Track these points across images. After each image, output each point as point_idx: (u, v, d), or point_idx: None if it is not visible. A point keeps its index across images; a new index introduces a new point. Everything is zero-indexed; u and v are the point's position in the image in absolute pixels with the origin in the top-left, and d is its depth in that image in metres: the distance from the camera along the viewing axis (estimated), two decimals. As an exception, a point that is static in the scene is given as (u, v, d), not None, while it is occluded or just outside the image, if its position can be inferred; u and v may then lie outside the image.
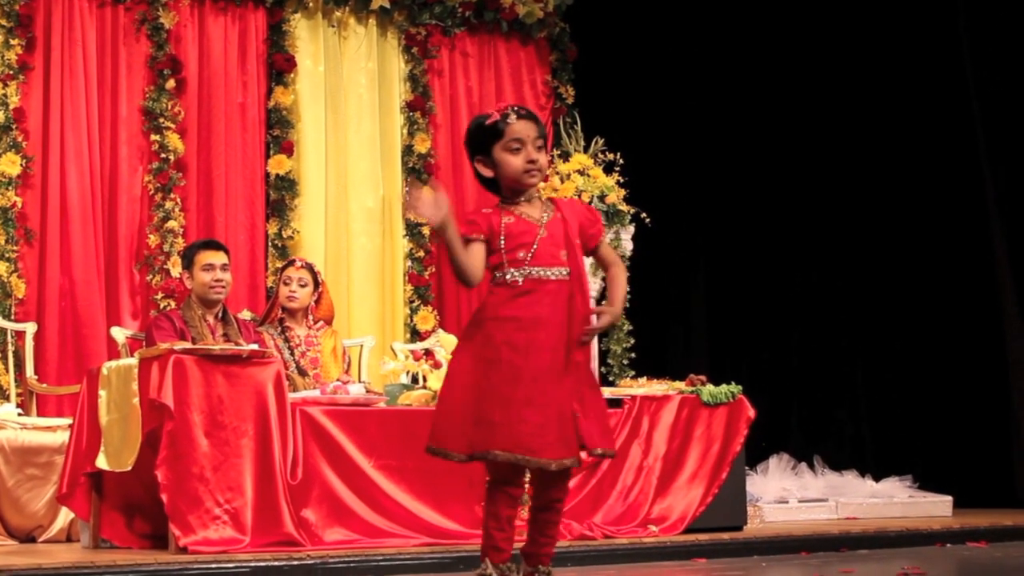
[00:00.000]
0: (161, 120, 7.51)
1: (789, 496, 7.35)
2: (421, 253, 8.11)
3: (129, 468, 5.15)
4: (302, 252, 7.62)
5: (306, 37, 8.11)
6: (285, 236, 7.75)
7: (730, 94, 8.90)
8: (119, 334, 6.28)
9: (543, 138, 3.57)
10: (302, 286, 6.40)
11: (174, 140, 7.52)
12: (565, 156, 7.90)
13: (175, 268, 7.23)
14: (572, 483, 4.49)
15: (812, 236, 8.93)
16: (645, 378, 6.55)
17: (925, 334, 8.59)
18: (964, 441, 8.29)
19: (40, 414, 6.72)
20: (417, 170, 8.17)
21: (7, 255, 7.05)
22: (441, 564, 5.02)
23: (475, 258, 3.47)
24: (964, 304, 8.43)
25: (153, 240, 7.43)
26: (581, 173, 7.69)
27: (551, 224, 3.53)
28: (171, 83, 7.56)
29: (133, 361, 5.27)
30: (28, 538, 5.96)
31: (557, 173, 7.75)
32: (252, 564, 4.73)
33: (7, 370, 6.80)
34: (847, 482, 7.73)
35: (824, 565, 5.15)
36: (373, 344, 7.09)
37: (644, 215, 7.70)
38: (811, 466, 7.82)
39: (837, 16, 8.76)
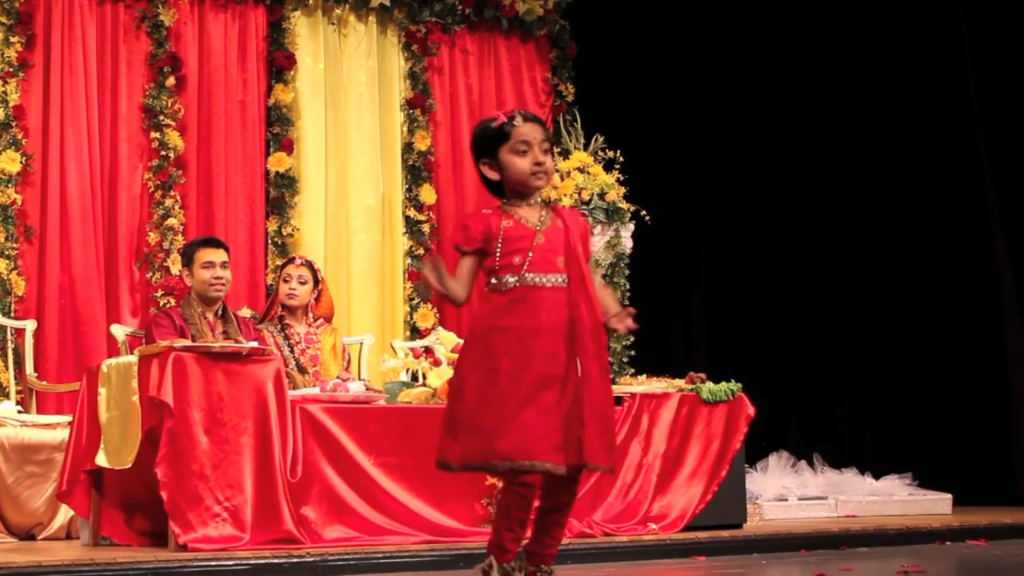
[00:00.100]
0: (161, 117, 7.51)
1: (789, 494, 7.35)
2: (421, 251, 8.10)
3: (129, 465, 5.15)
4: (302, 249, 7.62)
5: (306, 34, 8.11)
6: (285, 233, 7.75)
7: (730, 91, 8.90)
8: (119, 331, 6.28)
9: (549, 142, 3.58)
10: (302, 283, 6.40)
11: (174, 137, 7.52)
12: (565, 154, 7.90)
13: (175, 265, 7.23)
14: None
15: (812, 234, 8.93)
16: (645, 376, 6.55)
17: (925, 332, 8.60)
18: (964, 439, 8.29)
19: (40, 411, 6.72)
20: (417, 168, 8.17)
21: (7, 252, 7.05)
22: (441, 562, 5.03)
23: (461, 278, 3.46)
24: (964, 302, 8.44)
25: (153, 238, 7.43)
26: (581, 171, 7.69)
27: (549, 231, 3.52)
28: (171, 80, 7.56)
29: (133, 359, 5.28)
30: (28, 536, 5.96)
31: (557, 171, 7.75)
32: (252, 562, 4.74)
33: (7, 367, 6.80)
34: (847, 480, 7.73)
35: (824, 563, 5.15)
36: (373, 342, 7.10)
37: (644, 213, 7.69)
38: (811, 464, 7.82)
39: (837, 13, 8.75)
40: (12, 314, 6.99)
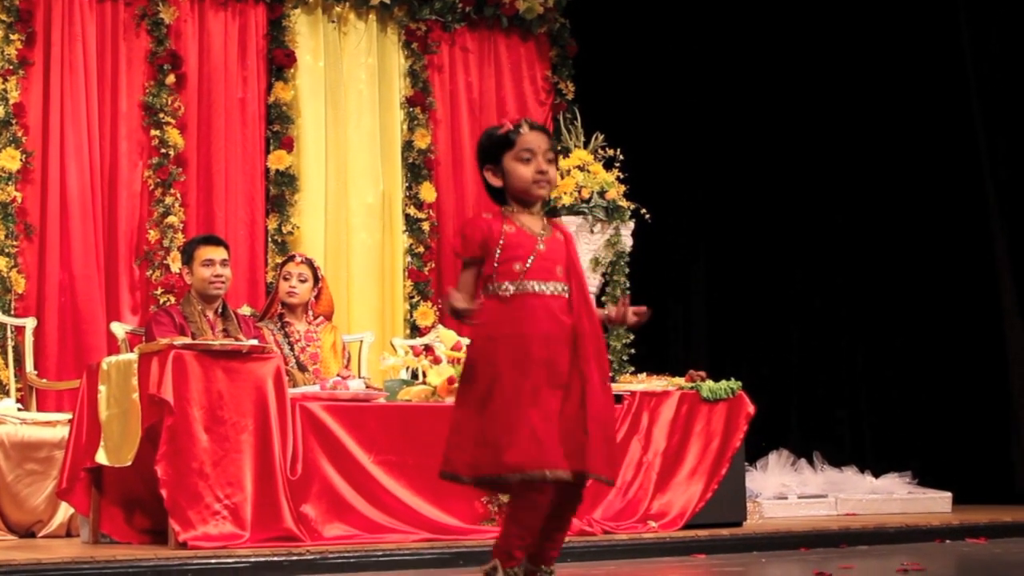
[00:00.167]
0: (161, 115, 7.51)
1: (788, 492, 7.35)
2: (421, 249, 8.11)
3: (129, 463, 5.15)
4: (302, 247, 7.62)
5: (306, 32, 8.10)
6: (285, 231, 7.75)
7: (730, 89, 8.89)
8: (119, 329, 6.28)
9: (555, 152, 3.59)
10: (302, 281, 6.41)
11: (174, 135, 7.52)
12: (565, 152, 7.89)
13: (175, 263, 7.23)
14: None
15: (812, 233, 8.92)
16: (645, 374, 6.55)
17: (925, 331, 8.59)
18: (964, 437, 8.29)
19: (40, 409, 6.72)
20: (417, 166, 8.17)
21: (7, 250, 7.05)
22: (441, 560, 5.03)
23: (467, 289, 3.46)
24: (964, 301, 8.43)
25: (153, 235, 7.43)
26: (581, 169, 7.69)
27: (550, 240, 3.53)
28: (171, 78, 7.56)
29: (133, 356, 5.28)
30: (28, 533, 5.96)
31: (557, 169, 7.73)
32: (252, 559, 4.74)
33: (7, 365, 6.80)
34: (847, 478, 7.73)
35: (823, 561, 5.15)
36: (373, 340, 7.10)
37: (644, 211, 7.69)
38: (811, 462, 7.81)
39: (837, 11, 8.75)
40: (12, 312, 6.99)
